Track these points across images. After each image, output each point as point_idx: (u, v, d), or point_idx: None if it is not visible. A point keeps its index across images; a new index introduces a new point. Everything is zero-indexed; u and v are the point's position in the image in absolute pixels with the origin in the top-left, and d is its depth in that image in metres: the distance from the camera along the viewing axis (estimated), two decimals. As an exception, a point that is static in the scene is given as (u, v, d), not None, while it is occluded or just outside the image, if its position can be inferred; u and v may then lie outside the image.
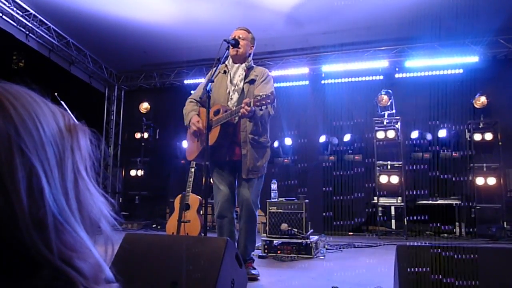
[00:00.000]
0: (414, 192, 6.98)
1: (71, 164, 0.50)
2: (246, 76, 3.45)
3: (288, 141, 7.68)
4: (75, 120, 0.56)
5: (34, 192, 0.44)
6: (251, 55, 3.59)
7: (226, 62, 3.55)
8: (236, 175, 3.44)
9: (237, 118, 3.25)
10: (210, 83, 3.16)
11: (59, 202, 0.46)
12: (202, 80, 8.33)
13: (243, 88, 3.42)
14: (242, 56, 3.48)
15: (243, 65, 3.48)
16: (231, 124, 3.29)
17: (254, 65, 3.61)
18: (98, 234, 0.53)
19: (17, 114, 0.45)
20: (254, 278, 3.29)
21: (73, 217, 0.48)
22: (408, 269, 1.82)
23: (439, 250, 1.86)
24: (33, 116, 0.47)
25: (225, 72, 3.53)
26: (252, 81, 3.43)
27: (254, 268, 3.41)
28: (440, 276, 1.80)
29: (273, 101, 3.03)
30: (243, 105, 3.05)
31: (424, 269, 1.81)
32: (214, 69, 3.27)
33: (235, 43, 3.39)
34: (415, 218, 6.72)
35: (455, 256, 1.82)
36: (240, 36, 3.46)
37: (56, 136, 0.49)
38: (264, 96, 3.01)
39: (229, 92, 3.43)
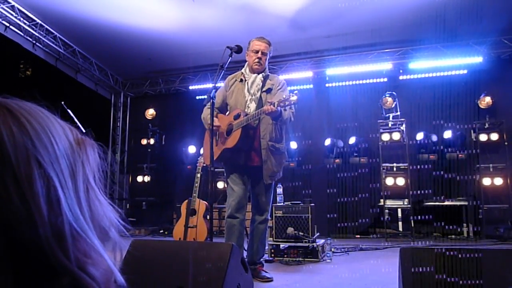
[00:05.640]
0: (421, 193, 6.97)
1: (82, 176, 0.52)
2: (262, 86, 3.56)
3: (293, 145, 7.70)
4: (83, 130, 0.60)
5: (52, 202, 0.46)
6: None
7: (243, 70, 3.66)
8: (251, 180, 3.56)
9: (256, 121, 3.38)
10: (213, 89, 3.22)
11: (74, 211, 0.49)
12: (207, 86, 8.41)
13: (260, 97, 3.53)
14: (263, 69, 3.61)
15: (260, 75, 3.59)
16: (251, 127, 3.43)
17: (269, 73, 3.72)
18: (106, 240, 0.55)
19: (33, 129, 0.48)
20: (270, 280, 3.45)
21: (87, 224, 0.50)
22: (412, 271, 1.84)
23: (443, 250, 1.87)
24: (47, 131, 0.50)
25: (241, 80, 3.62)
26: (268, 90, 3.55)
27: (266, 271, 3.56)
28: (444, 276, 1.81)
29: (296, 101, 3.13)
30: (267, 104, 3.20)
31: (427, 271, 1.83)
32: (232, 75, 3.34)
33: (238, 49, 3.43)
34: (422, 219, 6.70)
35: (459, 256, 1.83)
36: (264, 51, 3.57)
37: (67, 150, 0.51)
38: (286, 97, 3.13)
39: (246, 101, 3.53)
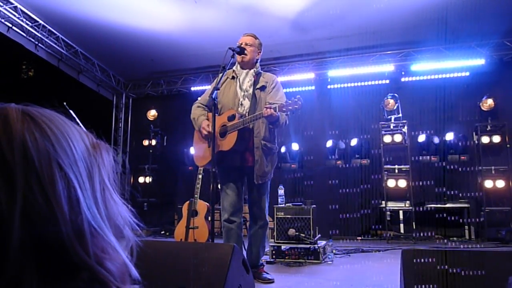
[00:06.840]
0: (422, 196, 6.95)
1: (98, 177, 0.56)
2: (255, 82, 3.47)
3: (295, 146, 7.69)
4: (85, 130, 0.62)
5: (72, 202, 0.50)
6: (259, 61, 3.61)
7: (234, 68, 3.58)
8: (245, 181, 3.48)
9: (252, 124, 3.29)
10: (216, 91, 3.20)
11: (92, 210, 0.52)
12: (209, 87, 8.41)
13: (254, 94, 3.43)
14: (250, 62, 3.50)
15: (252, 71, 3.50)
16: (247, 129, 3.32)
17: (262, 71, 3.63)
18: (121, 237, 0.58)
19: (53, 134, 0.52)
20: (271, 281, 3.43)
21: (103, 222, 0.54)
22: (413, 273, 1.83)
23: (445, 251, 1.87)
24: (66, 136, 0.53)
25: (233, 77, 3.54)
26: (263, 88, 3.45)
27: (268, 273, 3.53)
28: (446, 274, 1.81)
29: (300, 107, 3.04)
30: (266, 107, 3.08)
31: (429, 273, 1.82)
32: (220, 75, 3.29)
33: (240, 51, 3.42)
34: (423, 221, 6.69)
35: (461, 259, 1.83)
36: (247, 42, 3.49)
37: (85, 153, 0.55)
38: (289, 103, 3.05)
39: (239, 99, 3.44)
